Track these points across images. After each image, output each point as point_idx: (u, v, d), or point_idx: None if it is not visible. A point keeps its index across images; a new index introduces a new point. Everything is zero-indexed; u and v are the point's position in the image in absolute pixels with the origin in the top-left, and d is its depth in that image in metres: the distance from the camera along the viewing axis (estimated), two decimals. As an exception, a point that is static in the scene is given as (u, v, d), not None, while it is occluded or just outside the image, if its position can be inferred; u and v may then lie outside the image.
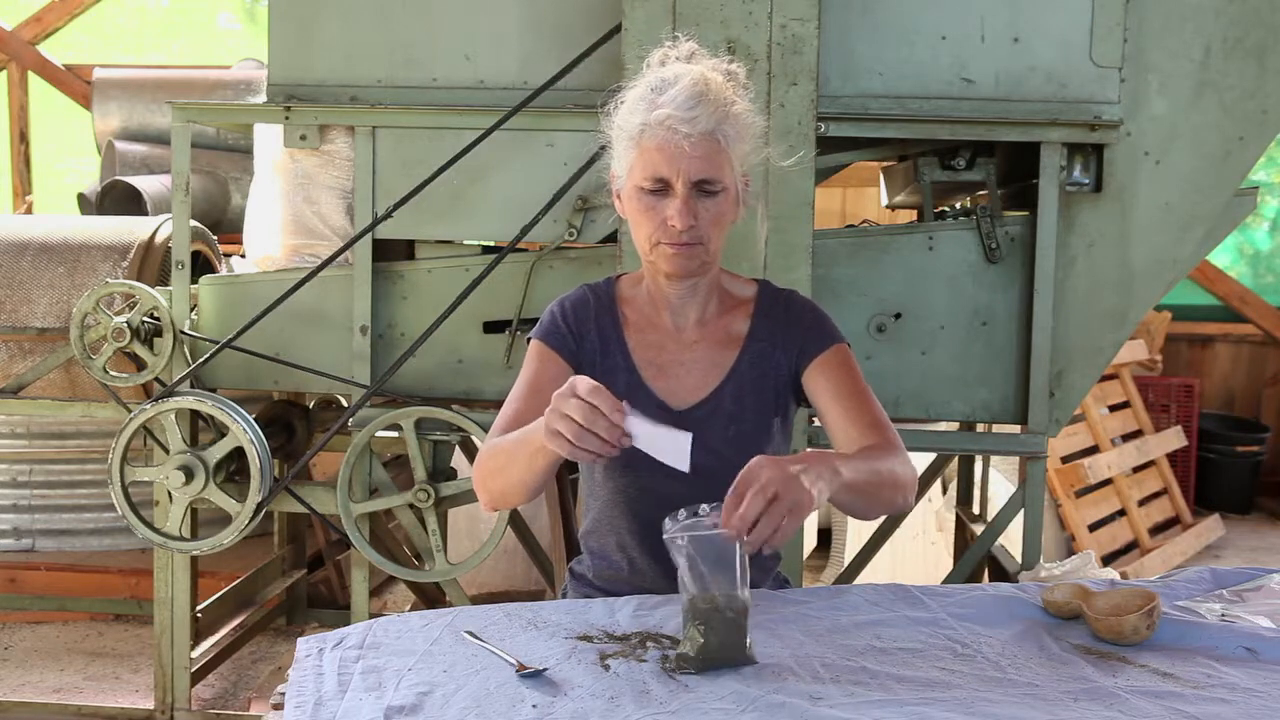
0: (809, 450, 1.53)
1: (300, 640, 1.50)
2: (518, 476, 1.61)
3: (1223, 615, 1.60)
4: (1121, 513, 4.86)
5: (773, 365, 1.80)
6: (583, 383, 1.44)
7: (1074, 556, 2.69)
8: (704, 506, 1.42)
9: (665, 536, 1.41)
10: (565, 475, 2.09)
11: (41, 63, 6.40)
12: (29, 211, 6.10)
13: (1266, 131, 2.66)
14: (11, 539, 3.97)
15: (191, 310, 2.85)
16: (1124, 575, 3.47)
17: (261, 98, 2.83)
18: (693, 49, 1.74)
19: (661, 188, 1.66)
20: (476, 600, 3.49)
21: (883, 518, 3.55)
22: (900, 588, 1.71)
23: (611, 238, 2.70)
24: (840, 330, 1.83)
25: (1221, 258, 6.21)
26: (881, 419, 1.73)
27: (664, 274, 1.74)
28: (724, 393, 1.78)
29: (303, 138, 2.76)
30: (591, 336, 1.81)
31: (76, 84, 6.32)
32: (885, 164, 3.26)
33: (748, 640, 1.41)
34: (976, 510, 3.68)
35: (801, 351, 1.79)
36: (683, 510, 1.43)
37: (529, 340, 1.83)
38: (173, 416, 2.79)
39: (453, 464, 2.90)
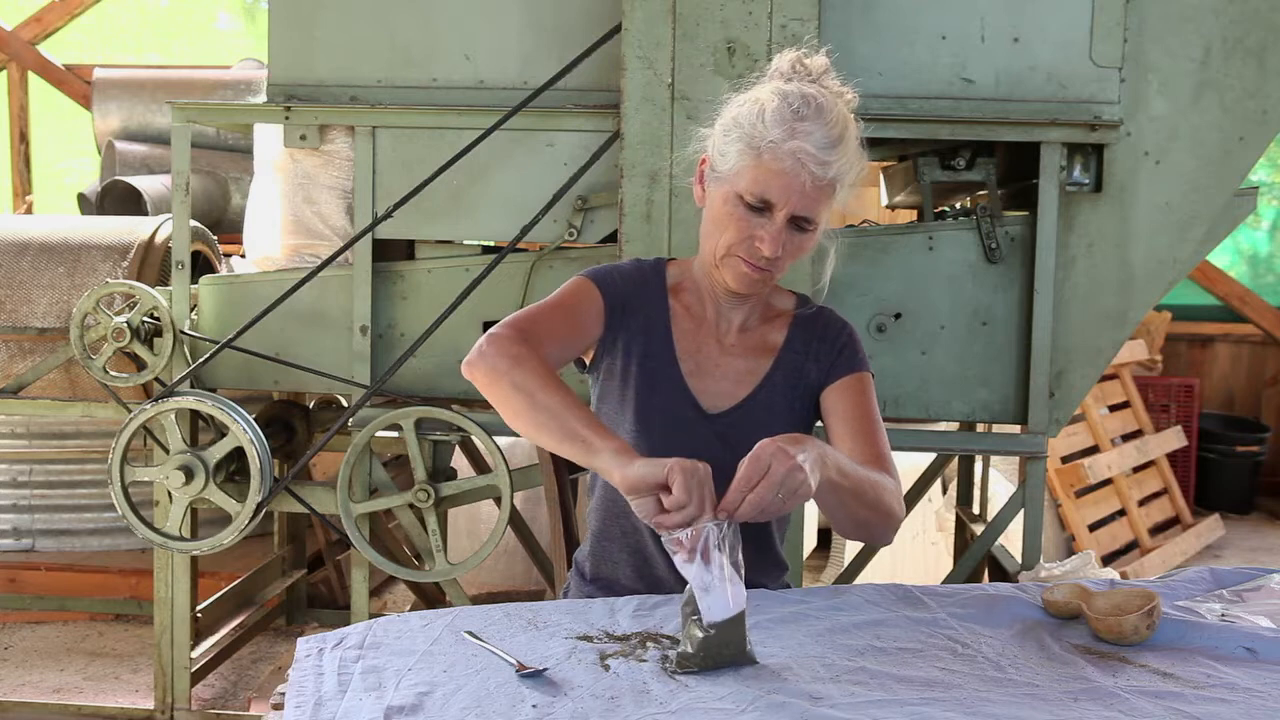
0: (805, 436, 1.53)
1: (300, 640, 1.50)
2: (534, 431, 1.58)
3: (1223, 615, 1.60)
4: (1121, 513, 4.86)
5: (803, 377, 1.80)
6: (704, 473, 1.41)
7: (1074, 556, 2.69)
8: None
9: (664, 537, 1.41)
10: (565, 475, 2.09)
11: (41, 63, 6.40)
12: (29, 211, 6.10)
13: (1266, 131, 2.66)
14: (11, 539, 3.97)
15: (191, 310, 2.85)
16: (1124, 575, 3.47)
17: (261, 98, 2.83)
18: (825, 65, 1.71)
19: (763, 207, 1.64)
20: (476, 600, 3.49)
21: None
22: (900, 588, 1.71)
23: (611, 238, 2.70)
24: (865, 357, 1.83)
25: (1221, 258, 6.22)
26: (885, 453, 1.72)
27: (725, 287, 1.74)
28: (756, 400, 1.78)
29: (303, 138, 2.76)
30: (639, 318, 1.79)
31: (76, 84, 6.32)
32: (885, 164, 3.26)
33: (747, 639, 1.41)
34: (976, 510, 3.67)
35: (830, 369, 1.79)
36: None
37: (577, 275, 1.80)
38: (173, 416, 2.79)
39: (453, 464, 2.90)
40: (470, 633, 1.49)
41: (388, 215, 2.69)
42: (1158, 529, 5.09)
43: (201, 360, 2.78)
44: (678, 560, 1.40)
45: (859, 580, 3.39)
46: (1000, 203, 2.72)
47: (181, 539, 2.83)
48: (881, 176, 3.42)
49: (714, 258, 1.71)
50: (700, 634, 1.39)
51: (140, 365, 2.87)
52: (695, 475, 1.40)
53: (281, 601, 3.80)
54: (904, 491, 3.49)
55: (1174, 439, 5.36)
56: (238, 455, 2.82)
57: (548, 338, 1.69)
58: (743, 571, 1.41)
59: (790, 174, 1.61)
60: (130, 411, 2.77)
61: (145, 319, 2.81)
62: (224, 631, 3.36)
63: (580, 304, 1.77)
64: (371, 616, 2.60)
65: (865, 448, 1.71)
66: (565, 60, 2.66)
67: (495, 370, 1.62)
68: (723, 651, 1.39)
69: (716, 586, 1.38)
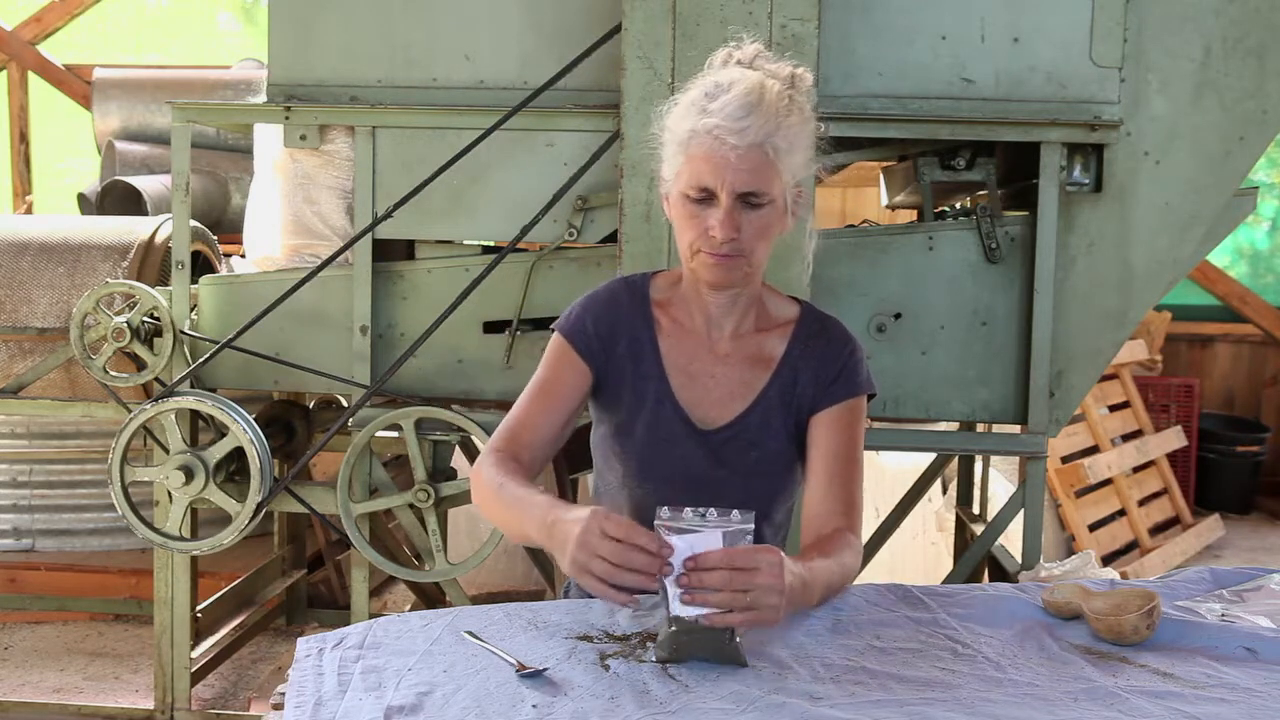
0: (805, 568, 1.50)
1: (300, 640, 1.50)
2: (512, 533, 1.65)
3: (1223, 615, 1.60)
4: (1121, 513, 4.86)
5: (798, 396, 1.76)
6: (611, 522, 1.40)
7: (1074, 556, 2.69)
8: (709, 512, 1.41)
9: (656, 524, 1.40)
10: (565, 475, 2.09)
11: (41, 63, 6.40)
12: (29, 211, 6.10)
13: (1266, 131, 2.66)
14: (11, 539, 3.97)
15: (191, 310, 2.85)
16: (1124, 575, 3.47)
17: (261, 98, 2.83)
18: (757, 50, 1.71)
19: (706, 196, 1.63)
20: (476, 600, 3.49)
21: (881, 519, 3.57)
22: (900, 588, 1.71)
23: (611, 238, 2.70)
24: (869, 375, 1.80)
25: (1221, 258, 6.22)
26: (856, 500, 1.73)
27: (704, 282, 1.71)
28: (751, 417, 1.76)
29: (303, 138, 2.76)
30: (623, 342, 1.77)
31: (76, 84, 6.32)
32: (885, 164, 3.26)
33: (729, 635, 1.40)
34: (976, 510, 3.67)
35: (825, 393, 1.76)
36: (688, 509, 1.42)
37: (552, 330, 1.80)
38: (173, 416, 2.79)
39: (453, 464, 2.90)
40: (470, 633, 1.49)
41: (388, 215, 2.69)
42: (1158, 529, 5.09)
43: (201, 360, 2.78)
44: None
45: (859, 580, 3.38)
46: (1000, 203, 2.72)
47: (181, 539, 2.83)
48: (881, 176, 3.42)
49: (687, 262, 1.71)
50: (669, 627, 1.39)
51: (140, 365, 2.87)
52: (593, 544, 1.40)
53: (281, 601, 3.79)
54: (903, 493, 3.51)
55: (1174, 439, 5.36)
56: (238, 455, 2.82)
57: (533, 429, 1.74)
58: None
59: (713, 153, 1.60)
60: (130, 411, 2.77)
61: (145, 319, 2.81)
62: (224, 631, 3.35)
63: (559, 373, 1.77)
64: (371, 616, 2.60)
65: (838, 493, 1.71)
66: (565, 60, 2.66)
67: (481, 505, 1.71)
68: (696, 648, 1.39)
69: (701, 540, 1.38)
